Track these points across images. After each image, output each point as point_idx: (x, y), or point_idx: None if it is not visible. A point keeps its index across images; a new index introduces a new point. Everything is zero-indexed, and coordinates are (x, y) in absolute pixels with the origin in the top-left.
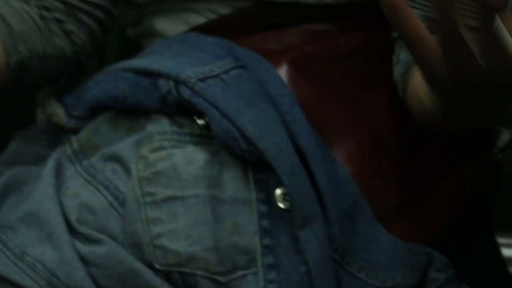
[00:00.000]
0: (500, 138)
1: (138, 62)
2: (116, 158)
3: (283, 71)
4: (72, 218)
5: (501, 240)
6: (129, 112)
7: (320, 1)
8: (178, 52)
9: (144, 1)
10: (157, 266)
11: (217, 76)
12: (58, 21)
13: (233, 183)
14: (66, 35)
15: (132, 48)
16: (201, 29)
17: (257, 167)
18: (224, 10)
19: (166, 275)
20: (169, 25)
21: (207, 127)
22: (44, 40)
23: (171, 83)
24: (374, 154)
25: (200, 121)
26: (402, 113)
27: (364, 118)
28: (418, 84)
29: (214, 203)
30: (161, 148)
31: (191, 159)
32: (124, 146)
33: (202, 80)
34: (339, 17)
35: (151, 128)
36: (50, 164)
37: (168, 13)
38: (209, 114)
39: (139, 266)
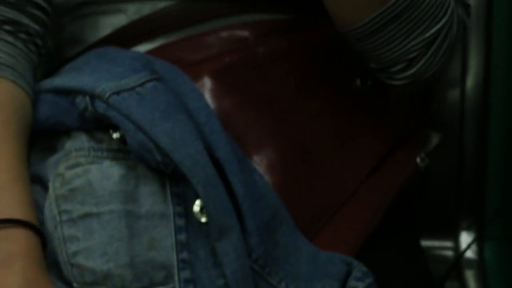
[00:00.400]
0: (430, 142)
1: (57, 81)
2: (36, 179)
3: (202, 83)
4: None
5: (429, 243)
6: (50, 133)
7: None
8: (96, 68)
9: (69, 4)
10: (75, 285)
11: (133, 89)
12: (35, 44)
13: (150, 197)
14: (38, 52)
15: (54, 59)
16: (123, 31)
17: (174, 180)
18: (147, 10)
19: None
20: (92, 30)
21: (123, 140)
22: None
23: (87, 98)
24: (296, 162)
25: (115, 135)
26: (329, 116)
27: (287, 125)
28: None
29: (130, 219)
30: (78, 164)
31: (107, 174)
32: (44, 166)
33: (117, 93)
34: (258, 23)
35: (69, 145)
36: None
37: (90, 17)
38: (123, 127)
39: (59, 285)
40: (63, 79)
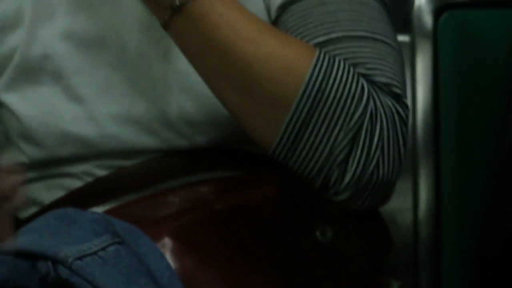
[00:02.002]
0: None
1: (16, 243)
2: None
3: (163, 243)
4: None
5: None
6: None
7: (191, 144)
8: (56, 231)
9: None
10: None
11: (95, 253)
12: None
13: None
14: None
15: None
16: (79, 194)
17: None
18: (100, 172)
19: None
20: (47, 193)
21: None
22: None
23: (49, 263)
24: None
25: None
26: (289, 268)
27: (248, 280)
28: None
29: None
30: None
31: None
32: None
33: (79, 258)
34: (216, 180)
35: None
36: None
37: (45, 180)
38: None
39: None
40: (23, 241)
